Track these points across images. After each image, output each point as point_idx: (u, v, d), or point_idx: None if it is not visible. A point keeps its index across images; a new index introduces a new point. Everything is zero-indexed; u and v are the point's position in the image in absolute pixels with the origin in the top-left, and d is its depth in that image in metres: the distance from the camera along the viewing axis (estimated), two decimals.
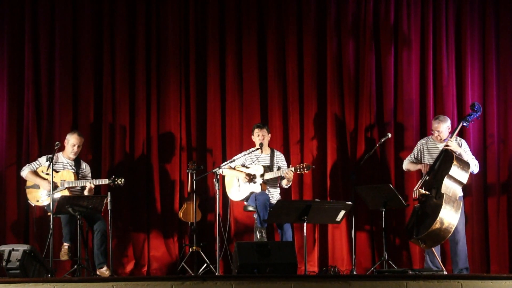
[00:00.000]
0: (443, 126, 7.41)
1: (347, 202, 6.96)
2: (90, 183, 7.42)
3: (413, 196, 7.33)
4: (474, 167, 7.37)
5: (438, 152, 7.35)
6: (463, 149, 7.35)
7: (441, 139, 7.40)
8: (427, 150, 7.50)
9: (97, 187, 7.74)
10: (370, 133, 8.32)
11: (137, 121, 8.40)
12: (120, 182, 7.42)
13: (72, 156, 7.59)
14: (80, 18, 8.41)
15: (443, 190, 7.02)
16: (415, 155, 7.58)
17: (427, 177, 7.29)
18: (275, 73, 8.44)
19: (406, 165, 7.67)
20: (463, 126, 7.43)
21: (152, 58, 8.46)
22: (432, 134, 7.50)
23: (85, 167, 7.70)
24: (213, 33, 8.50)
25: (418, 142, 7.67)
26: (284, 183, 7.66)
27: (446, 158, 7.18)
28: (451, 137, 7.30)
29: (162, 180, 8.35)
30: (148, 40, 8.47)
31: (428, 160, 7.45)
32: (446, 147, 7.22)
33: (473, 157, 7.47)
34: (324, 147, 8.35)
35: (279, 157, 7.86)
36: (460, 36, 8.34)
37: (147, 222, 8.31)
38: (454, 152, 7.17)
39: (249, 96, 8.45)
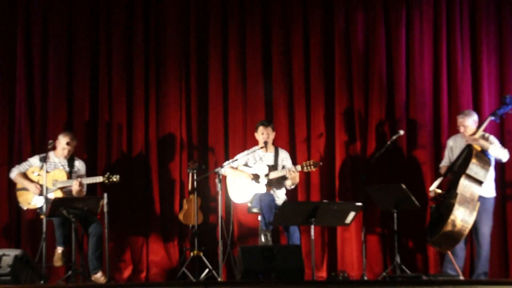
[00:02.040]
0: (469, 121, 7.30)
1: (357, 203, 6.89)
2: (79, 180, 7.33)
3: (430, 196, 7.32)
4: (503, 155, 7.20)
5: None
6: (490, 141, 7.22)
7: (468, 135, 7.27)
8: (455, 149, 7.43)
9: (92, 188, 7.74)
10: (381, 130, 8.24)
11: (135, 118, 8.36)
12: (115, 179, 7.34)
13: (63, 157, 7.57)
14: (75, 10, 8.38)
15: (459, 190, 6.97)
16: (448, 157, 7.50)
17: (444, 176, 7.28)
18: (280, 67, 8.40)
19: (442, 170, 7.55)
20: (491, 120, 7.34)
21: (151, 52, 8.42)
22: (459, 131, 7.41)
23: (78, 164, 7.65)
24: (215, 25, 8.45)
25: (447, 142, 7.63)
26: (288, 184, 7.60)
27: (467, 155, 7.10)
28: (477, 132, 7.21)
29: (162, 180, 8.32)
30: (147, 34, 8.43)
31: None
32: (469, 142, 7.15)
33: (501, 146, 7.33)
34: (332, 145, 8.29)
35: (284, 155, 7.79)
36: (475, 27, 8.27)
37: (145, 225, 8.27)
38: (476, 149, 7.07)
39: (253, 91, 8.41)
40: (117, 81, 8.35)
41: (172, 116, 8.38)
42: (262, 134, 7.65)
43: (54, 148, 7.50)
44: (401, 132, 7.74)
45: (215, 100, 8.42)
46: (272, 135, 7.71)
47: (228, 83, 8.44)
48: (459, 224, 6.88)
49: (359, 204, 6.88)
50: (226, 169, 7.67)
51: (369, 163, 7.88)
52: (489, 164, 7.06)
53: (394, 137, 7.66)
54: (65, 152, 7.52)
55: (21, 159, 7.91)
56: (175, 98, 8.40)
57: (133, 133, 8.34)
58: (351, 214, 6.84)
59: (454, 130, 7.74)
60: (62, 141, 7.52)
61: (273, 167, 7.64)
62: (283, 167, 7.67)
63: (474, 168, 6.99)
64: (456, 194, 6.94)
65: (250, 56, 8.41)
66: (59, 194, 7.36)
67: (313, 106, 8.37)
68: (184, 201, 8.07)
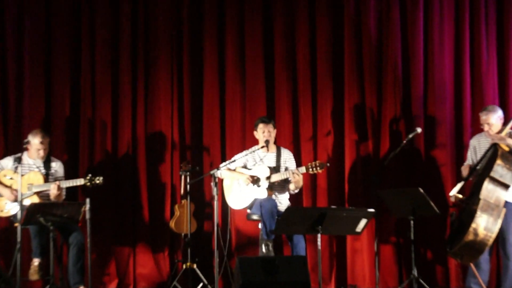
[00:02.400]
0: (493, 117, 7.23)
1: (368, 210, 6.75)
2: (57, 183, 7.26)
3: (450, 201, 7.25)
4: None
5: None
6: None
7: (493, 133, 7.21)
8: (479, 149, 7.36)
9: (73, 192, 7.67)
10: (396, 127, 8.21)
11: (121, 115, 8.32)
12: (98, 182, 7.28)
13: (40, 159, 7.50)
14: None
15: (482, 195, 6.88)
16: (472, 159, 7.44)
17: (467, 180, 7.24)
18: (283, 58, 8.35)
19: (463, 172, 7.48)
20: None
21: (139, 41, 8.38)
22: (483, 130, 7.36)
23: (56, 166, 7.57)
24: (210, 11, 8.42)
25: (470, 142, 7.55)
26: (291, 187, 7.55)
27: (491, 156, 7.03)
28: (503, 130, 7.14)
29: (151, 184, 8.30)
30: (134, 21, 8.39)
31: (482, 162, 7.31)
32: (495, 141, 7.08)
33: None
34: (341, 145, 8.26)
35: (287, 156, 7.71)
36: (502, 12, 8.21)
37: (132, 234, 8.24)
38: (502, 148, 6.99)
39: (252, 84, 8.37)
40: (101, 73, 8.30)
41: (162, 112, 8.35)
42: (263, 132, 7.58)
43: (27, 148, 7.43)
44: (418, 130, 7.65)
45: (211, 94, 8.37)
46: (273, 133, 7.63)
47: (225, 75, 8.39)
48: (481, 233, 6.79)
49: (372, 210, 6.73)
50: (222, 171, 7.59)
51: (382, 164, 7.79)
52: None
53: (410, 136, 7.60)
54: (41, 153, 7.43)
55: None
56: (166, 92, 8.35)
57: (119, 130, 8.30)
58: (363, 222, 6.71)
59: (477, 127, 7.66)
60: (34, 142, 7.40)
61: (275, 169, 7.55)
62: (286, 169, 7.58)
63: (499, 170, 6.89)
64: (478, 200, 6.86)
65: (250, 46, 8.36)
66: (35, 200, 7.27)
67: (319, 101, 8.31)
68: (176, 207, 8.05)
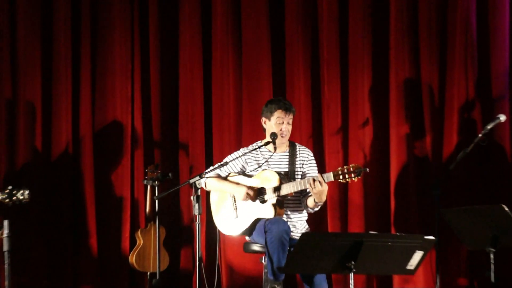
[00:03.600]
0: None
1: (426, 237, 6.19)
2: None
3: None
4: None
5: None
6: None
7: None
8: None
9: None
10: (468, 115, 8.19)
11: (57, 97, 8.45)
12: (22, 197, 7.11)
13: None
14: None
15: None
16: None
17: None
18: (298, 10, 8.40)
19: None
20: None
21: None
22: None
23: None
24: None
25: None
26: (310, 203, 7.18)
27: None
28: None
29: (101, 198, 8.44)
30: None
31: None
32: None
33: None
34: (386, 140, 8.29)
35: (304, 156, 7.37)
36: None
37: (73, 273, 8.36)
38: None
39: (252, 52, 8.46)
40: (27, 37, 8.47)
41: (117, 91, 8.52)
42: (281, 123, 7.31)
43: None
44: (502, 118, 7.53)
45: (190, 65, 8.51)
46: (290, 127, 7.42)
47: (212, 37, 8.53)
48: None
49: (431, 238, 6.21)
50: (208, 180, 7.34)
51: (447, 170, 7.67)
52: None
53: (489, 127, 7.44)
54: None
55: None
56: (123, 63, 8.53)
57: (53, 118, 8.44)
58: (417, 255, 6.21)
59: None
60: None
61: (287, 176, 7.24)
62: (303, 175, 7.27)
63: None
64: None
65: None
66: None
67: (352, 76, 8.33)
68: (138, 233, 8.19)
